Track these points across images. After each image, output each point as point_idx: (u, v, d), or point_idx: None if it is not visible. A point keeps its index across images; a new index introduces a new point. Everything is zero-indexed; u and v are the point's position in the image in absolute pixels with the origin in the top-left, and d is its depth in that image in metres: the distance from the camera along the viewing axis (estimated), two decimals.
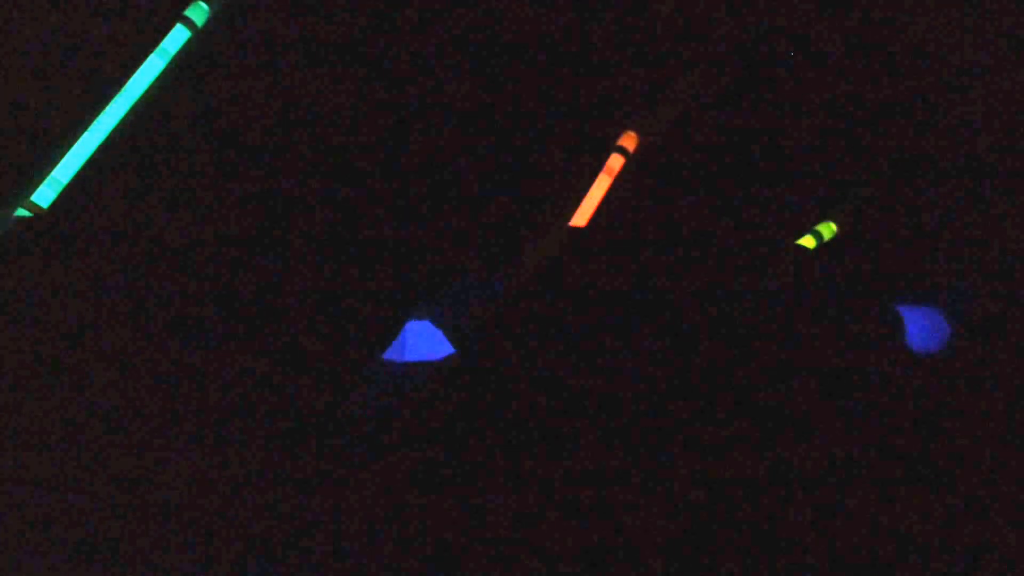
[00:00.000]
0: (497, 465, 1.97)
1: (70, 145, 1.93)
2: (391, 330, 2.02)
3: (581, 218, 2.11)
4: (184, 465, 1.89)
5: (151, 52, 1.99)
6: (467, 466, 1.97)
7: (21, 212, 1.90)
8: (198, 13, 2.02)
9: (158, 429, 1.89)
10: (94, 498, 1.85)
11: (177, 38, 2.01)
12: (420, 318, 2.01)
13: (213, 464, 1.90)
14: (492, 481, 1.95)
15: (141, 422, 1.89)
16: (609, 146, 2.15)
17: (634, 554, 1.92)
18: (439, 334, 2.00)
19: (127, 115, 1.97)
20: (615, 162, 2.14)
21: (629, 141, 2.15)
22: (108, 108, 1.96)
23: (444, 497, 1.94)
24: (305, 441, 1.94)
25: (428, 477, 1.94)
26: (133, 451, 1.87)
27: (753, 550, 1.94)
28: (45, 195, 1.90)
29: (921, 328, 1.96)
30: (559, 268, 2.09)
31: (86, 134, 1.94)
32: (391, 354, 1.99)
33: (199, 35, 2.03)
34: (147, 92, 1.99)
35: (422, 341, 1.98)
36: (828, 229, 2.14)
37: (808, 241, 2.14)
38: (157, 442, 1.89)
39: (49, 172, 1.92)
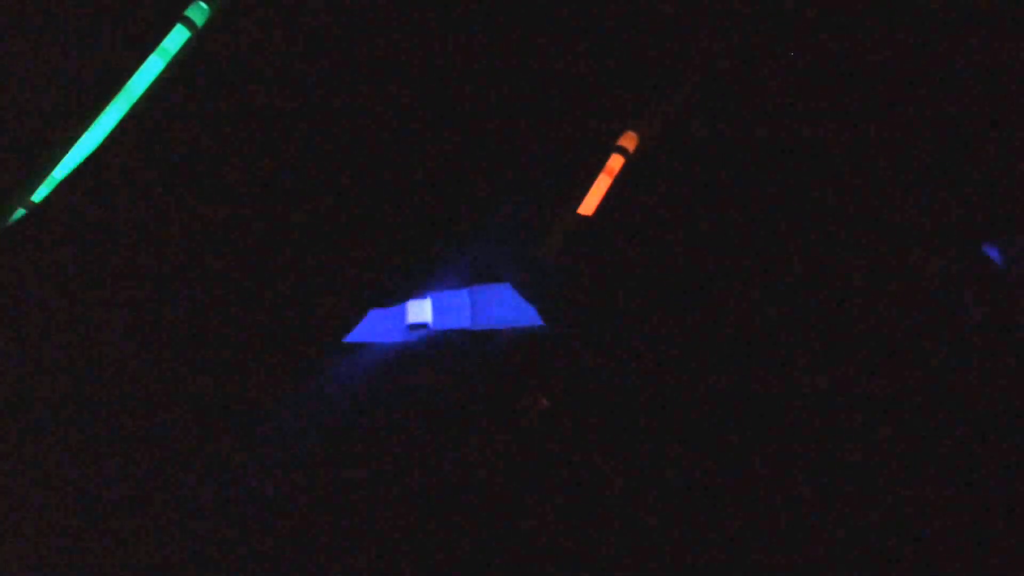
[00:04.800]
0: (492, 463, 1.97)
1: (70, 145, 1.93)
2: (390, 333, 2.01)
3: (587, 209, 2.09)
4: (184, 464, 1.89)
5: (151, 52, 1.99)
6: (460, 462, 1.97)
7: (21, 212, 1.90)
8: (198, 13, 2.02)
9: (158, 427, 1.89)
10: (92, 498, 1.85)
11: (177, 38, 2.01)
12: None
13: (213, 463, 1.90)
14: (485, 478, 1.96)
15: (140, 421, 1.89)
16: (609, 146, 2.15)
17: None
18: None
19: (127, 115, 1.97)
20: (615, 162, 2.14)
21: (629, 141, 2.15)
22: (108, 108, 1.95)
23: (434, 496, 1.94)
24: (309, 438, 1.94)
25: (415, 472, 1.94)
26: (132, 450, 1.87)
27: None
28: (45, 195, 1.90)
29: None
30: (559, 269, 2.09)
31: (86, 134, 1.94)
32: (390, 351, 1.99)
33: (199, 35, 2.03)
34: (147, 92, 1.98)
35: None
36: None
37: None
38: (156, 441, 1.89)
39: (49, 172, 1.91)
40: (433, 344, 1.97)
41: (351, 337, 1.97)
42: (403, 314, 1.95)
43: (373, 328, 1.96)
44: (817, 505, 1.97)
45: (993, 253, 2.08)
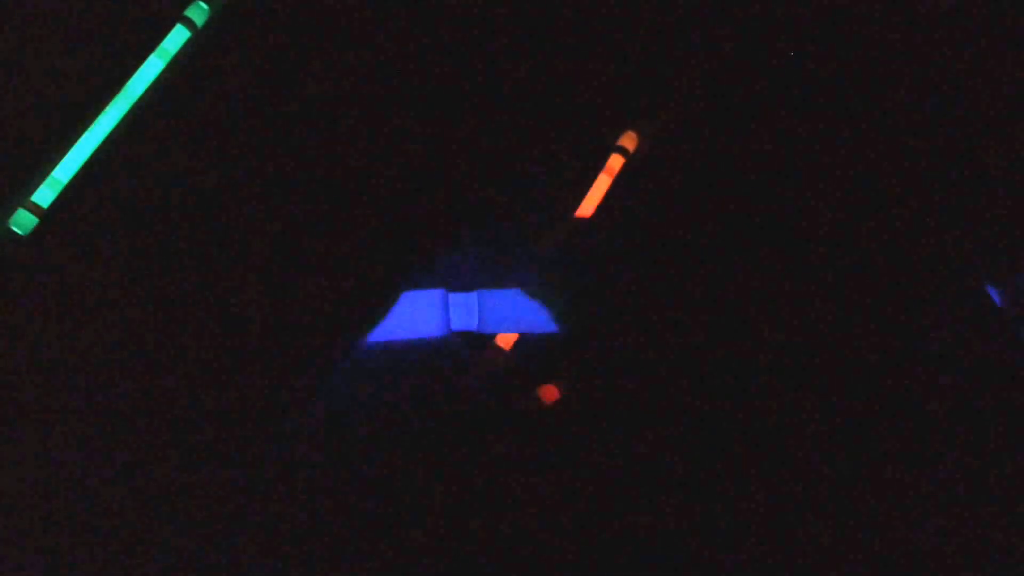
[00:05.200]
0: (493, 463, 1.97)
1: (70, 145, 1.93)
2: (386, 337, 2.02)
3: (587, 209, 2.10)
4: (184, 464, 1.89)
5: (151, 52, 1.99)
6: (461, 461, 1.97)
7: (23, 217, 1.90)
8: (198, 13, 2.03)
9: (157, 428, 1.90)
10: (91, 498, 1.85)
11: (177, 38, 2.01)
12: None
13: (213, 463, 1.90)
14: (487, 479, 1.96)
15: (139, 421, 1.89)
16: (609, 146, 2.15)
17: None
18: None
19: (127, 115, 1.97)
20: (615, 162, 2.14)
21: (629, 141, 2.15)
22: (108, 108, 1.96)
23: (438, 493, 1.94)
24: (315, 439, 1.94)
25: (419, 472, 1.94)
26: (131, 452, 1.87)
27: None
28: (45, 195, 1.91)
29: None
30: (558, 267, 2.09)
31: (86, 134, 1.94)
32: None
33: (199, 35, 2.03)
34: (147, 92, 1.99)
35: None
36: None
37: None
38: (156, 442, 1.89)
39: (49, 172, 1.92)
40: (448, 344, 1.98)
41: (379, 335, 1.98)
42: (441, 313, 1.96)
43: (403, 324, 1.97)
44: (823, 501, 1.97)
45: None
